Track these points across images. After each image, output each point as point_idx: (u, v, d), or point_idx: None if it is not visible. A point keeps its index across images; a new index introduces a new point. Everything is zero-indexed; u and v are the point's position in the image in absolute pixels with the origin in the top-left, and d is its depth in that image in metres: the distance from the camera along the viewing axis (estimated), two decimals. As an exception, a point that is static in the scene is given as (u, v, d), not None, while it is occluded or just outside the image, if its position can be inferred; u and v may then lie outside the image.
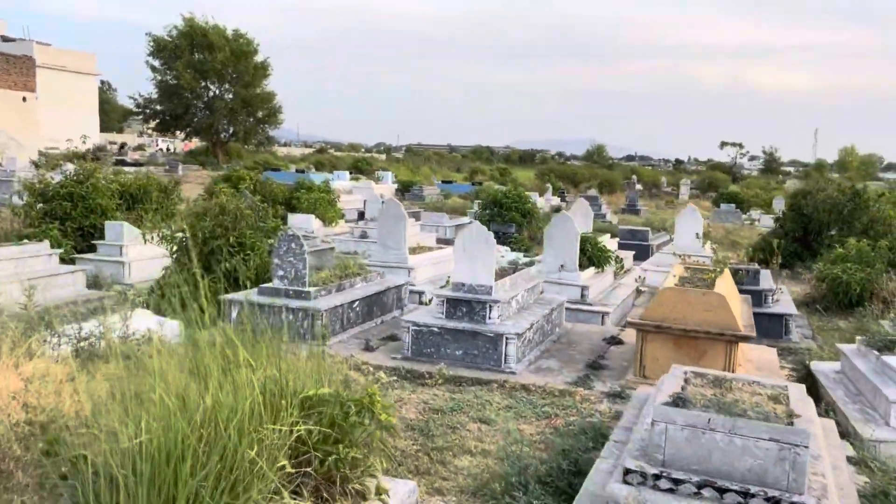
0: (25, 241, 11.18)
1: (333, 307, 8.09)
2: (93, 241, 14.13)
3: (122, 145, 65.92)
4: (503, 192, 21.04)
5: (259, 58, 53.22)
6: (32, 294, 7.04)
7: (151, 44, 51.04)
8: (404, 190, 35.00)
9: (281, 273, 8.30)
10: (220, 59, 49.94)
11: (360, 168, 43.93)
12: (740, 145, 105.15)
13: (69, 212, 14.01)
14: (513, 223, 20.29)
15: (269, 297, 8.21)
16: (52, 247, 11.06)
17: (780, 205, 33.82)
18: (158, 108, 52.81)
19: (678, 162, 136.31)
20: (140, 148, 74.33)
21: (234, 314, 8.16)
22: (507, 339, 7.16)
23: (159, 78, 51.85)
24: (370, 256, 12.04)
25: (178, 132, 55.42)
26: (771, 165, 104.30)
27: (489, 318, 7.41)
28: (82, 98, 65.92)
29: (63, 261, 11.65)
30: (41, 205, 13.96)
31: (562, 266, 10.64)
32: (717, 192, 42.96)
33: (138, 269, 13.21)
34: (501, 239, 20.26)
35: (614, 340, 8.46)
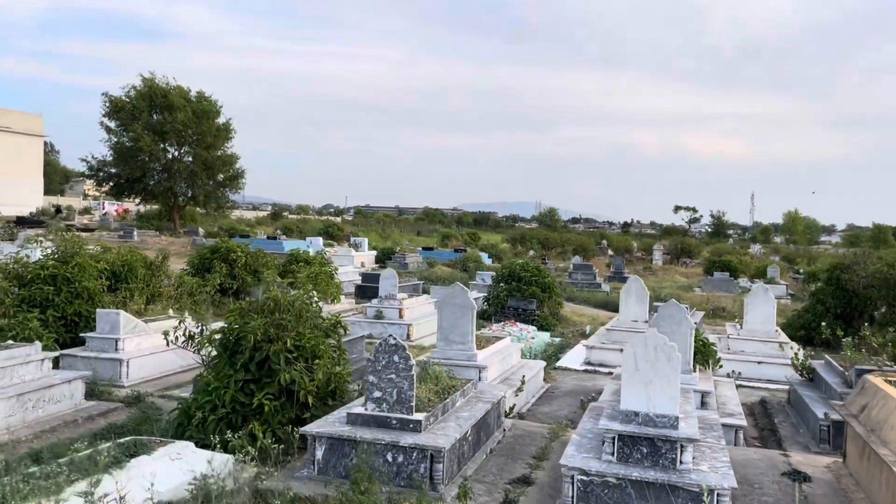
0: (10, 342, 8.94)
1: (453, 443, 6.14)
2: (78, 333, 11.86)
3: (66, 209, 62.56)
4: (521, 265, 19.38)
5: (221, 119, 51.25)
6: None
7: (107, 104, 48.66)
8: (385, 258, 33.13)
9: (378, 394, 6.35)
10: (182, 119, 47.81)
11: (332, 234, 41.92)
12: (693, 209, 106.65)
13: (51, 298, 11.74)
14: (533, 298, 18.60)
15: (363, 428, 6.23)
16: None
17: (774, 273, 33.05)
18: (113, 170, 50.11)
19: (626, 225, 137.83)
20: (86, 211, 70.91)
21: (319, 453, 6.14)
22: (718, 497, 5.31)
23: (115, 139, 49.32)
24: (433, 353, 10.11)
25: (133, 196, 52.59)
26: (719, 229, 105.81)
27: (680, 462, 5.57)
28: (27, 160, 62.65)
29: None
30: (18, 290, 11.65)
31: (675, 366, 8.88)
32: (708, 260, 42.13)
33: (137, 367, 11.02)
34: (521, 316, 18.53)
35: (798, 475, 6.65)
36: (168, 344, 8.75)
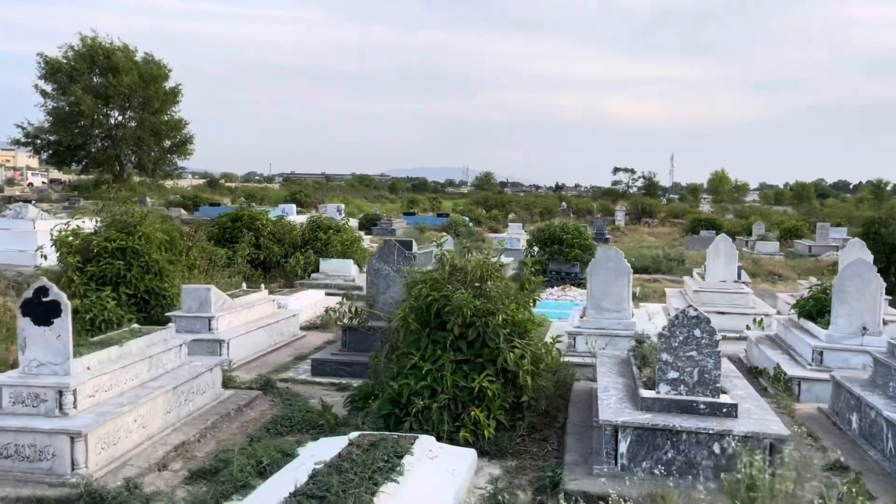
0: (136, 326, 7.64)
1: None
2: (149, 312, 10.53)
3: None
4: (560, 227, 18.65)
5: (170, 83, 48.31)
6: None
7: (43, 66, 45.09)
8: (370, 224, 31.88)
9: (674, 375, 5.51)
10: (128, 83, 44.75)
11: (300, 201, 40.18)
12: (632, 171, 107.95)
13: (122, 273, 10.33)
14: (576, 261, 17.94)
15: (663, 415, 5.40)
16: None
17: (760, 230, 33.43)
18: (52, 137, 46.66)
19: (557, 188, 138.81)
20: (10, 183, 66.17)
21: (623, 446, 5.27)
22: None
23: (52, 104, 45.85)
24: (584, 321, 9.28)
25: (74, 164, 49.25)
26: (650, 190, 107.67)
27: None
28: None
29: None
30: (89, 267, 10.18)
31: (864, 328, 8.36)
32: (686, 218, 42.36)
33: (236, 348, 9.81)
34: (565, 279, 17.86)
35: None
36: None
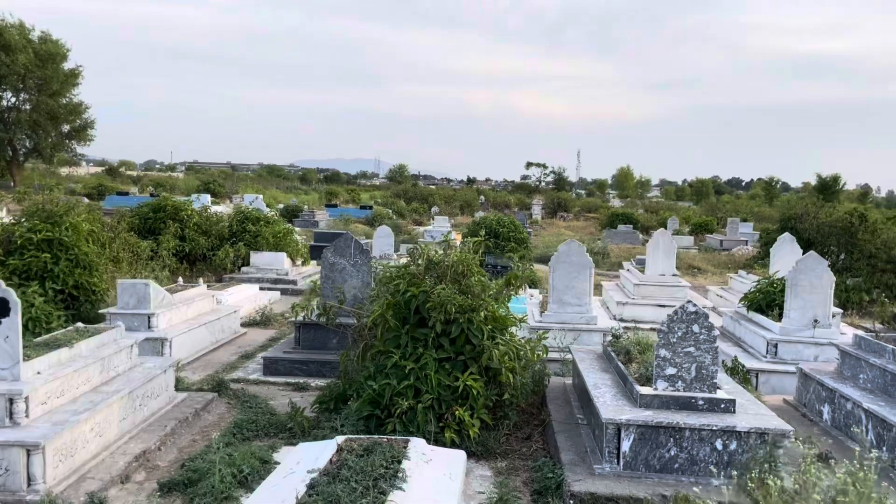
0: (80, 324, 7.00)
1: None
2: (79, 309, 9.81)
3: None
4: (497, 220, 18.61)
5: (69, 64, 45.69)
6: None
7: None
8: (291, 216, 31.07)
9: (672, 371, 5.44)
10: (23, 62, 42.03)
11: (214, 190, 38.74)
12: (544, 165, 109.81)
13: (49, 267, 9.55)
14: (512, 255, 17.91)
15: (662, 411, 5.33)
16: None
17: (674, 224, 34.49)
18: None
19: (469, 181, 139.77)
20: None
21: (626, 445, 5.17)
22: None
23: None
24: (546, 316, 9.18)
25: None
26: (560, 184, 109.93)
27: None
28: None
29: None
30: (11, 260, 9.35)
31: (815, 321, 8.61)
32: (600, 212, 43.23)
33: (178, 347, 9.22)
34: (501, 273, 17.83)
35: None
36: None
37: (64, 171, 64.30)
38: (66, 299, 9.82)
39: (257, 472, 5.47)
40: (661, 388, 5.44)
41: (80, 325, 7.01)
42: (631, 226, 33.79)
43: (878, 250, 17.22)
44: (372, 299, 7.46)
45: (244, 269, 16.23)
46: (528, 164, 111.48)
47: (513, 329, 6.88)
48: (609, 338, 7.30)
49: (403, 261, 15.05)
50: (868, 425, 5.94)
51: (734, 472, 5.06)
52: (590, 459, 5.43)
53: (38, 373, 5.58)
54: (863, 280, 16.18)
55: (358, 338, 7.17)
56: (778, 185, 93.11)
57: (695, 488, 4.82)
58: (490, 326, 6.52)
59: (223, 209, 27.89)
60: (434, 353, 6.32)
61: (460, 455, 5.68)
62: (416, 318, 6.56)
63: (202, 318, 10.26)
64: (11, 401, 5.22)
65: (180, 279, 11.75)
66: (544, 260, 21.43)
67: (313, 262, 17.96)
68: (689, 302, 5.44)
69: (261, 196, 34.63)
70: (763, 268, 16.09)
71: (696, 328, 5.38)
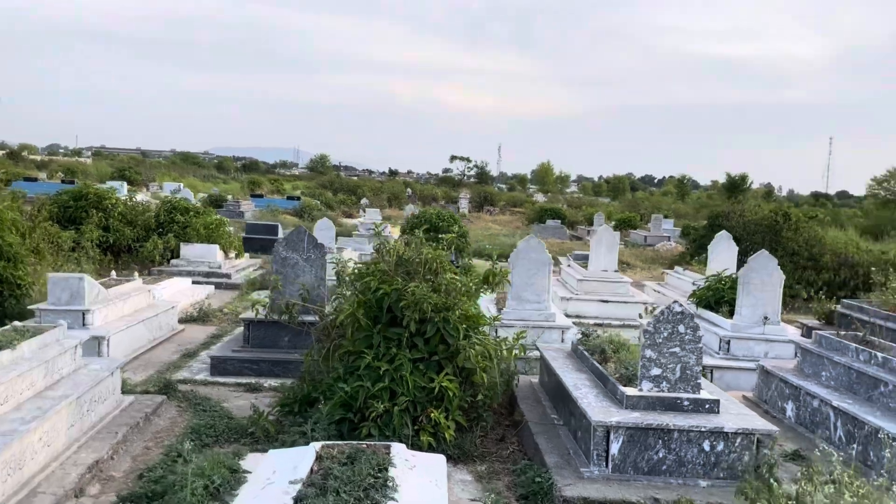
0: (17, 323, 6.43)
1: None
2: (3, 304, 9.13)
3: None
4: (437, 214, 18.43)
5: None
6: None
7: None
8: (215, 206, 30.02)
9: (657, 372, 5.40)
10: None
11: (130, 178, 37.09)
12: (468, 159, 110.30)
13: (-31, 260, 8.83)
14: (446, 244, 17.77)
15: (649, 412, 5.27)
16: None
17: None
18: None
19: (392, 173, 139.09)
20: None
21: (615, 447, 5.09)
22: None
23: None
24: (504, 313, 9.05)
25: None
26: (483, 178, 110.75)
27: None
28: None
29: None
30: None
31: (766, 318, 8.81)
32: (526, 207, 43.58)
33: (117, 344, 8.69)
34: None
35: None
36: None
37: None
38: (-10, 294, 9.09)
39: (228, 483, 5.12)
40: (647, 388, 5.38)
41: (17, 323, 6.45)
42: (559, 221, 34.18)
43: (801, 248, 17.90)
44: (336, 296, 7.15)
45: (174, 261, 15.51)
46: (453, 158, 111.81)
47: (484, 328, 6.71)
48: (577, 335, 7.23)
49: (346, 254, 14.69)
50: (837, 423, 6.06)
51: (721, 474, 5.06)
52: (575, 462, 5.33)
53: (-21, 378, 5.07)
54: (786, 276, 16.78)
55: (323, 337, 6.85)
56: (688, 183, 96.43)
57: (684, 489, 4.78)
58: (464, 325, 6.34)
59: (142, 198, 26.71)
60: (408, 354, 6.09)
61: (441, 459, 5.48)
62: (387, 316, 6.32)
63: (139, 315, 9.69)
64: (-49, 410, 4.71)
65: (113, 273, 11.08)
66: (481, 254, 21.40)
67: (246, 255, 17.37)
68: (675, 302, 5.40)
69: (182, 185, 33.40)
70: (700, 264, 16.46)
71: (681, 328, 5.35)
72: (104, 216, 15.52)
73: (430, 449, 5.77)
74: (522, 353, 6.52)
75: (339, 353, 6.43)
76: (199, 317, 11.58)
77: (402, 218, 33.07)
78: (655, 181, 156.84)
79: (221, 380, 8.26)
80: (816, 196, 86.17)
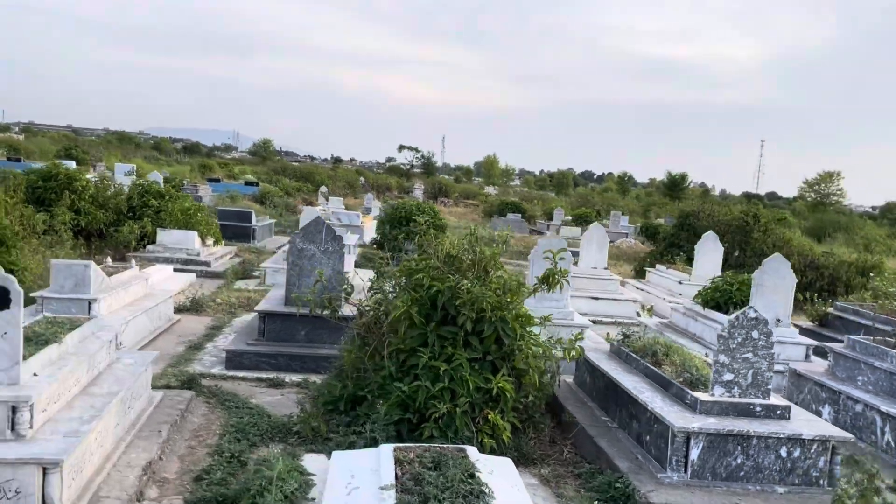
0: (48, 314, 6.03)
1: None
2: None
3: None
4: (416, 206, 18.25)
5: None
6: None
7: None
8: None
9: (729, 377, 5.41)
10: None
11: (76, 157, 35.60)
12: (416, 149, 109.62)
13: (-35, 243, 8.30)
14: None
15: (723, 418, 5.29)
16: None
17: (560, 215, 35.41)
18: None
19: (337, 160, 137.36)
20: None
21: (694, 453, 5.09)
22: None
23: None
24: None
25: None
26: (429, 169, 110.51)
27: None
28: None
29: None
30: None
31: (778, 321, 8.98)
32: (480, 199, 43.56)
33: (124, 334, 8.29)
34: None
35: None
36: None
37: None
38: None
39: (301, 489, 4.91)
40: (718, 393, 5.39)
41: (48, 314, 6.06)
42: (519, 215, 34.32)
43: (769, 249, 18.35)
44: (375, 291, 6.96)
45: (150, 247, 14.95)
46: (401, 147, 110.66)
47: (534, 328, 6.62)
48: (618, 336, 7.21)
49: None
50: (885, 427, 6.20)
51: (796, 480, 5.10)
52: (648, 467, 5.30)
53: (35, 374, 4.73)
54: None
55: (365, 333, 6.65)
56: (629, 180, 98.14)
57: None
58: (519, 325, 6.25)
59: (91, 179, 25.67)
60: (466, 353, 5.96)
61: (509, 463, 5.39)
62: (440, 314, 6.17)
63: (140, 304, 9.29)
64: (14, 409, 4.38)
65: (108, 259, 10.59)
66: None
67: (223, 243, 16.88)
68: (749, 308, 5.41)
69: (134, 166, 32.24)
70: (683, 262, 16.71)
71: (755, 334, 5.36)
72: (76, 198, 14.82)
73: (492, 451, 5.67)
74: (580, 355, 6.44)
75: (387, 351, 6.25)
76: (192, 306, 11.17)
77: (361, 207, 32.71)
78: (595, 177, 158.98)
79: (240, 374, 7.98)
80: (748, 196, 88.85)
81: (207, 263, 14.76)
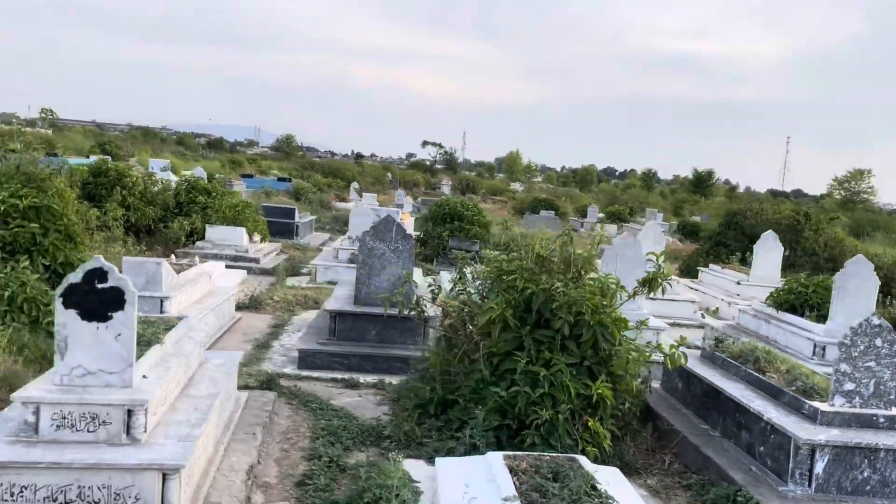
0: (139, 313, 5.93)
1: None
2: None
3: None
4: (460, 203, 18.08)
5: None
6: None
7: None
8: (207, 185, 29.14)
9: (850, 386, 5.19)
10: None
11: (111, 152, 35.76)
12: (440, 145, 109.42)
13: (38, 240, 8.24)
14: (476, 239, 17.49)
15: (844, 429, 5.07)
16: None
17: (594, 212, 35.06)
18: None
19: (359, 156, 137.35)
20: None
21: (819, 466, 4.87)
22: None
23: None
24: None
25: None
26: (451, 164, 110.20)
27: None
28: None
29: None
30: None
31: (861, 325, 8.69)
32: (507, 195, 43.31)
33: (195, 335, 8.17)
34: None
35: None
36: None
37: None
38: (51, 276, 8.49)
39: (416, 498, 4.76)
40: (839, 404, 5.17)
41: (139, 313, 5.95)
42: (553, 212, 34.03)
43: (821, 249, 18.02)
44: (458, 292, 6.80)
45: (199, 243, 14.91)
46: (425, 143, 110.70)
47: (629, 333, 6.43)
48: (711, 340, 6.99)
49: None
50: None
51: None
52: (766, 480, 5.10)
53: (144, 377, 4.61)
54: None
55: (453, 335, 6.50)
56: (653, 176, 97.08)
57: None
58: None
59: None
60: (564, 358, 5.78)
61: (618, 473, 5.22)
62: (535, 317, 6.00)
63: (207, 302, 9.22)
64: (130, 413, 4.26)
65: (172, 256, 10.52)
66: (498, 246, 20.95)
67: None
68: (873, 314, 5.18)
69: (169, 162, 32.41)
70: (739, 263, 16.40)
71: (878, 342, 5.14)
72: (127, 194, 14.81)
73: (595, 460, 5.49)
74: (683, 363, 6.23)
75: (480, 355, 6.08)
76: (250, 304, 11.08)
77: (392, 203, 32.59)
78: (617, 173, 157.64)
79: (314, 374, 7.86)
80: (774, 193, 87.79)
81: (256, 260, 14.70)
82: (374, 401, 7.16)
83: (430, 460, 5.45)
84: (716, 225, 20.78)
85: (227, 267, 13.56)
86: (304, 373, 7.88)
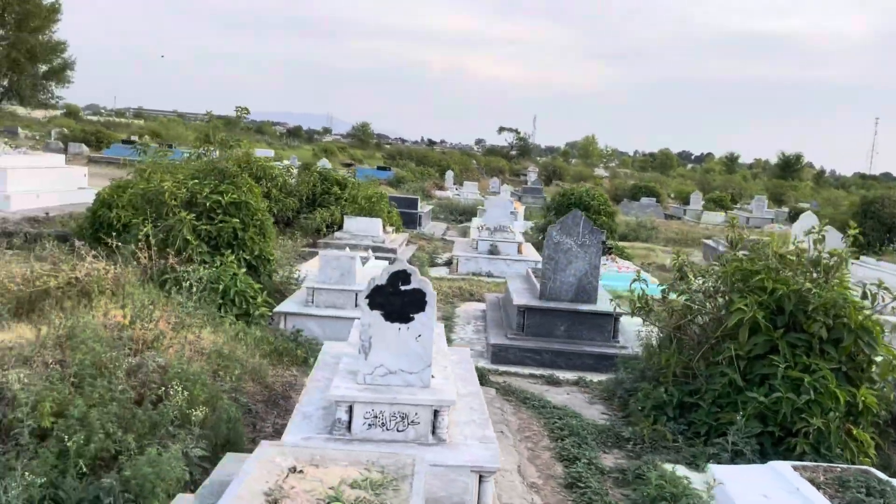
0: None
1: None
2: (260, 280, 8.75)
3: None
4: (587, 192, 17.82)
5: (50, -2, 42.49)
6: None
7: None
8: (312, 174, 29.59)
9: None
10: (0, -6, 38.99)
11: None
12: (517, 131, 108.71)
13: (238, 234, 8.44)
14: (603, 229, 17.18)
15: None
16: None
17: (697, 199, 34.14)
18: None
19: (431, 142, 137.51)
20: None
21: None
22: None
23: None
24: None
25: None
26: (524, 150, 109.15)
27: None
28: None
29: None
30: (201, 224, 8.19)
31: None
32: (594, 181, 42.67)
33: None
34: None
35: None
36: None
37: (38, 114, 60.38)
38: (248, 269, 8.70)
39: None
40: None
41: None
42: (654, 199, 33.31)
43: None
44: (681, 292, 6.63)
45: (337, 234, 15.10)
46: (501, 129, 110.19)
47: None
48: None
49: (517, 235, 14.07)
50: None
51: None
52: None
53: (433, 376, 4.62)
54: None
55: (681, 336, 6.34)
56: (738, 161, 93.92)
57: None
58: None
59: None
60: (826, 364, 5.55)
61: (901, 484, 4.98)
62: (786, 320, 5.78)
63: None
64: (436, 413, 4.27)
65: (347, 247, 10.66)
66: (624, 238, 20.53)
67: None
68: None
69: (272, 152, 33.04)
70: (892, 253, 15.71)
71: None
72: (271, 185, 15.10)
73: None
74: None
75: (724, 357, 5.90)
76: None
77: (486, 191, 32.46)
78: (693, 157, 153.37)
79: (511, 369, 7.82)
80: (863, 177, 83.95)
81: (394, 251, 14.78)
82: (582, 398, 7.08)
83: (690, 465, 5.33)
84: (849, 214, 19.90)
85: (368, 258, 13.76)
86: (501, 367, 7.85)
